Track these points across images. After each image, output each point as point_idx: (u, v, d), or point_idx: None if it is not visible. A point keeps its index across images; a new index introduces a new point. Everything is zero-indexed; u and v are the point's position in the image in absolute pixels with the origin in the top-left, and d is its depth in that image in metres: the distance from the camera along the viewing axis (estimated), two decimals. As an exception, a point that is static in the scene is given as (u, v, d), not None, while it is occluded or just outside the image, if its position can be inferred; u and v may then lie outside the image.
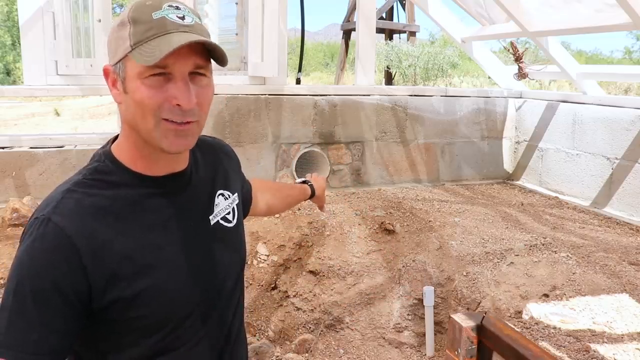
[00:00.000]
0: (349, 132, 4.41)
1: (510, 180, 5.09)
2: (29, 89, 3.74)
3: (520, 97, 5.07)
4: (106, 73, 0.95)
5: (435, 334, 3.11)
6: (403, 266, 3.23)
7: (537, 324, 2.51)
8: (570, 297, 2.73)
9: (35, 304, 0.84)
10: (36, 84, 3.69)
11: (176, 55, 0.87)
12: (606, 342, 2.30)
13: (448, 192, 4.51)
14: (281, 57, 3.94)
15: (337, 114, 4.34)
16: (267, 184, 1.57)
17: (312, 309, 3.06)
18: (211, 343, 1.04)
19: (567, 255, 3.12)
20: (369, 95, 4.45)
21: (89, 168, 0.97)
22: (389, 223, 3.48)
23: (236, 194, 1.16)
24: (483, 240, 3.38)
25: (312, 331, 3.02)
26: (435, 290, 3.11)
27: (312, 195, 1.66)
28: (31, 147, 3.61)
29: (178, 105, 0.89)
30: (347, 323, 3.06)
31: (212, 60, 0.94)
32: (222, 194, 1.11)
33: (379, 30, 12.97)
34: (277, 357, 2.87)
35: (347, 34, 13.42)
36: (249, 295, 3.06)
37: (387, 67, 14.63)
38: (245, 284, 3.04)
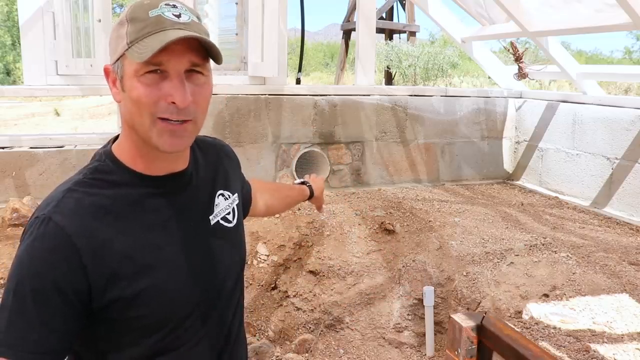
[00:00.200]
0: (349, 132, 4.41)
1: (510, 180, 5.09)
2: (29, 89, 3.74)
3: (520, 97, 5.07)
4: (107, 72, 0.96)
5: (435, 334, 3.11)
6: (403, 266, 3.23)
7: (537, 324, 2.51)
8: (570, 297, 2.73)
9: (35, 304, 0.85)
10: (36, 84, 3.69)
11: (170, 53, 0.87)
12: (606, 342, 2.30)
13: (448, 192, 4.50)
14: (281, 57, 3.94)
15: (337, 114, 4.34)
16: (266, 185, 1.57)
17: (312, 309, 3.06)
18: (211, 343, 1.04)
19: (567, 255, 3.12)
20: (369, 95, 4.45)
21: (89, 167, 0.97)
22: (389, 223, 3.48)
23: (236, 194, 1.16)
24: (483, 240, 3.38)
25: (312, 331, 3.02)
26: (435, 290, 3.11)
27: (311, 196, 1.67)
28: (31, 147, 3.61)
29: (173, 103, 0.89)
30: (347, 323, 3.06)
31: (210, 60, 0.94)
32: (222, 194, 1.11)
33: (379, 30, 12.96)
34: (277, 357, 2.87)
35: (347, 34, 13.41)
36: (249, 295, 3.05)
37: (387, 67, 14.63)
38: (245, 284, 3.04)
